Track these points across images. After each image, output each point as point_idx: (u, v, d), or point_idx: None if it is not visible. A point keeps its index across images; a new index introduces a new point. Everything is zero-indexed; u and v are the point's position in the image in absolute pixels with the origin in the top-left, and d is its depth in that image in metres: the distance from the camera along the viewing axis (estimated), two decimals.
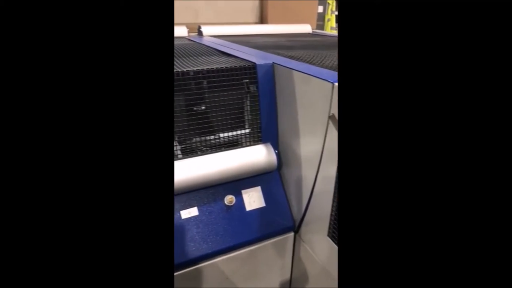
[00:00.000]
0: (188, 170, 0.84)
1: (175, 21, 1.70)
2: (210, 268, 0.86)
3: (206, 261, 0.84)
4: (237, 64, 0.89)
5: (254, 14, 1.91)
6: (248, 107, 0.93)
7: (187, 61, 0.96)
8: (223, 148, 0.92)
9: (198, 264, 0.83)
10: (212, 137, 0.92)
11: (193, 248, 0.82)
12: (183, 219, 0.83)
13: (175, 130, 0.94)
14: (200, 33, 1.56)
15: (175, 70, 0.84)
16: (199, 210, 0.85)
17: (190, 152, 0.93)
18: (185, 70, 0.85)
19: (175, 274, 0.81)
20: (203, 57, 1.03)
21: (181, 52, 1.11)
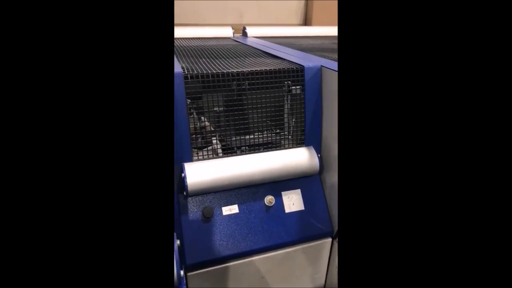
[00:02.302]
0: (230, 168, 0.86)
1: (221, 21, 1.75)
2: (247, 266, 0.87)
3: (244, 258, 0.86)
4: (284, 66, 0.89)
5: (298, 15, 1.90)
6: (292, 109, 0.94)
7: (233, 62, 0.98)
8: (264, 149, 0.93)
9: (235, 260, 0.85)
10: (253, 136, 0.93)
11: (232, 244, 0.84)
12: (224, 215, 0.85)
13: (217, 129, 0.97)
14: (245, 34, 1.59)
15: (223, 71, 0.86)
16: (239, 208, 0.86)
17: (231, 151, 0.95)
18: (233, 71, 0.87)
19: (213, 268, 0.83)
20: (250, 58, 1.05)
21: (227, 53, 1.14)
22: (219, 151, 0.98)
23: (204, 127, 1.02)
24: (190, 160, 0.86)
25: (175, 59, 1.00)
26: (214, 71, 0.86)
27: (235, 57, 1.06)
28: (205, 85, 0.88)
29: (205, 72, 0.85)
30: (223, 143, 0.99)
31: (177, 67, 0.85)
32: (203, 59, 1.04)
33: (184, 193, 0.81)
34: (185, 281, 0.76)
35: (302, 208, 0.90)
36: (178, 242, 0.58)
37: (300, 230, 0.90)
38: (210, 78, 0.85)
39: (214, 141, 1.00)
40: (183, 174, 0.81)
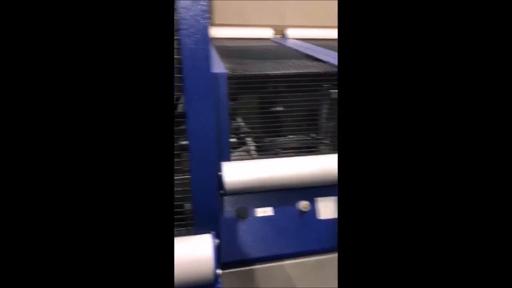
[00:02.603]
0: (267, 170, 0.86)
1: (262, 23, 1.75)
2: (277, 270, 0.86)
3: (274, 261, 0.85)
4: (325, 69, 0.87)
5: None
6: (332, 113, 0.91)
7: (271, 64, 0.98)
8: (301, 153, 0.92)
9: (266, 263, 0.85)
10: (290, 140, 0.93)
11: (263, 246, 0.83)
12: (258, 217, 0.85)
13: (253, 130, 0.97)
14: (285, 35, 1.58)
15: (261, 72, 0.86)
16: (273, 210, 0.86)
17: (266, 153, 0.95)
18: (271, 73, 0.87)
19: (243, 269, 0.84)
20: (288, 60, 1.04)
21: (266, 54, 1.14)
22: (255, 152, 0.98)
23: (240, 127, 1.03)
24: (228, 159, 0.87)
25: (218, 58, 1.02)
26: (253, 73, 0.86)
27: (273, 59, 1.06)
28: (243, 86, 0.89)
29: (244, 73, 0.86)
30: (259, 145, 0.99)
31: (221, 67, 0.86)
32: (242, 59, 1.05)
33: (221, 191, 0.82)
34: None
35: (337, 216, 0.88)
36: (217, 241, 0.59)
37: (334, 238, 0.87)
38: (250, 80, 0.86)
39: (250, 142, 1.00)
40: (220, 173, 0.82)
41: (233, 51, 1.19)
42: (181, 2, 0.50)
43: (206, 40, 0.50)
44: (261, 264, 0.85)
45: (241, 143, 1.01)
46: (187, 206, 0.61)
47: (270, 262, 0.85)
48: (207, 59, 0.51)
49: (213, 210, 0.61)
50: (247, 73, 0.87)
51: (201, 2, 0.50)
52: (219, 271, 0.57)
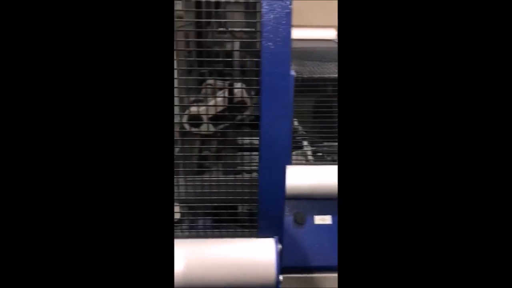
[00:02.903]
0: (326, 176, 0.83)
1: (324, 23, 1.70)
2: (333, 281, 0.83)
3: (331, 272, 0.82)
4: None
5: None
6: None
7: (335, 66, 0.95)
8: None
9: (322, 272, 0.82)
10: None
11: (320, 255, 0.81)
12: (316, 224, 0.83)
13: (310, 133, 0.95)
14: None
15: (321, 76, 0.83)
16: (332, 219, 0.83)
17: (325, 158, 0.92)
18: (334, 76, 0.84)
19: (297, 276, 0.82)
20: None
21: (327, 56, 1.11)
22: (312, 157, 0.96)
23: (298, 131, 1.01)
24: (289, 163, 0.86)
25: None
26: (316, 75, 0.84)
27: (335, 61, 1.02)
28: (305, 88, 0.88)
29: (308, 75, 0.84)
30: (317, 149, 0.96)
31: None
32: (303, 61, 1.03)
33: None
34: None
35: None
36: (280, 246, 0.58)
37: None
38: (313, 82, 0.84)
39: (307, 146, 0.98)
40: None
41: (294, 52, 1.18)
42: (264, 4, 0.50)
43: (287, 43, 0.50)
44: (316, 273, 0.82)
45: (299, 147, 0.99)
46: (252, 207, 0.61)
47: (326, 273, 0.82)
48: (287, 62, 0.51)
49: (278, 213, 0.60)
50: (311, 75, 0.85)
51: (285, 4, 0.49)
52: (280, 277, 0.56)
